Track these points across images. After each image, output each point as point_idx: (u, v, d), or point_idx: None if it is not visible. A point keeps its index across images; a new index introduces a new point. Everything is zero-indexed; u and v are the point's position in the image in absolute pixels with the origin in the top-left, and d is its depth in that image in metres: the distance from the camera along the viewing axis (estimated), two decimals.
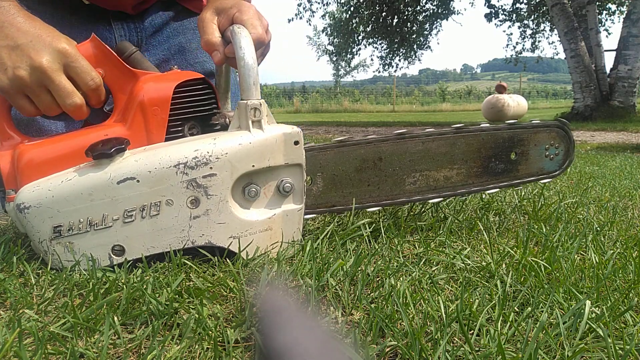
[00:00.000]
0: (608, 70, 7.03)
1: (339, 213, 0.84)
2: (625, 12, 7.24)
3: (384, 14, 11.05)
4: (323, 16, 14.64)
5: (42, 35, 0.65)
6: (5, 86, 0.64)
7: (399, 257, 0.71)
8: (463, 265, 0.66)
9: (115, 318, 0.49)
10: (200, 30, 0.73)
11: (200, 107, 0.72)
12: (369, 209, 0.84)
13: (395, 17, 11.27)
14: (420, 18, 11.63)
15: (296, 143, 0.70)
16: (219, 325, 0.48)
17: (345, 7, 11.84)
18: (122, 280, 0.59)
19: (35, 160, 0.65)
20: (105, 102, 0.71)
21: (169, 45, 0.99)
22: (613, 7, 9.87)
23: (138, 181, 0.63)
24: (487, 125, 0.87)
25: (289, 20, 11.71)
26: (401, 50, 12.17)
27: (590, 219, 0.95)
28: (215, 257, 0.67)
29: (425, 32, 11.92)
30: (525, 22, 11.15)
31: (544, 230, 0.84)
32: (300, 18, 11.60)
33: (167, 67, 0.78)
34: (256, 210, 0.70)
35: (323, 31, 14.04)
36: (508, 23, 11.19)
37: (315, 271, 0.61)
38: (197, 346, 0.45)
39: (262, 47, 0.74)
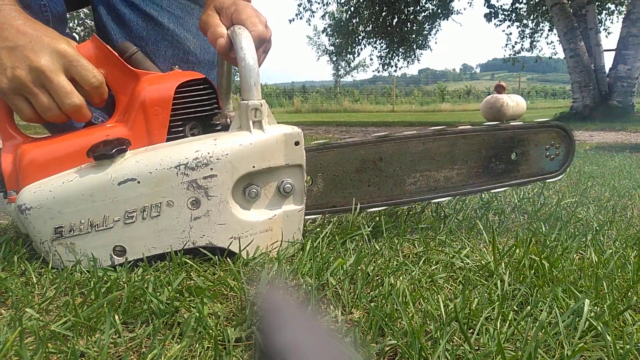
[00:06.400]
0: (607, 70, 7.02)
1: (339, 213, 0.84)
2: (625, 12, 7.24)
3: (383, 13, 11.03)
4: (323, 16, 14.61)
5: (42, 37, 0.65)
6: (4, 87, 0.64)
7: (399, 256, 0.71)
8: (462, 264, 0.66)
9: (116, 317, 0.49)
10: (205, 25, 0.74)
11: (201, 107, 0.72)
12: (369, 209, 0.84)
13: (395, 17, 11.26)
14: (420, 18, 11.62)
15: (297, 143, 0.70)
16: (219, 324, 0.49)
17: (345, 7, 11.83)
18: (123, 279, 0.59)
19: (36, 160, 0.65)
20: (106, 102, 0.71)
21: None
22: (612, 7, 9.86)
23: (139, 182, 0.63)
24: (469, 126, 0.88)
25: (290, 21, 11.71)
26: (401, 50, 12.16)
27: (589, 219, 0.96)
28: (216, 256, 0.67)
29: (425, 32, 11.91)
30: (525, 21, 11.13)
31: (544, 229, 0.84)
32: (301, 18, 11.59)
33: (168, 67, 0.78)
34: (257, 210, 0.70)
35: (323, 31, 14.05)
36: (507, 23, 11.18)
37: (315, 270, 0.61)
38: (197, 345, 0.45)
39: (263, 44, 0.74)
